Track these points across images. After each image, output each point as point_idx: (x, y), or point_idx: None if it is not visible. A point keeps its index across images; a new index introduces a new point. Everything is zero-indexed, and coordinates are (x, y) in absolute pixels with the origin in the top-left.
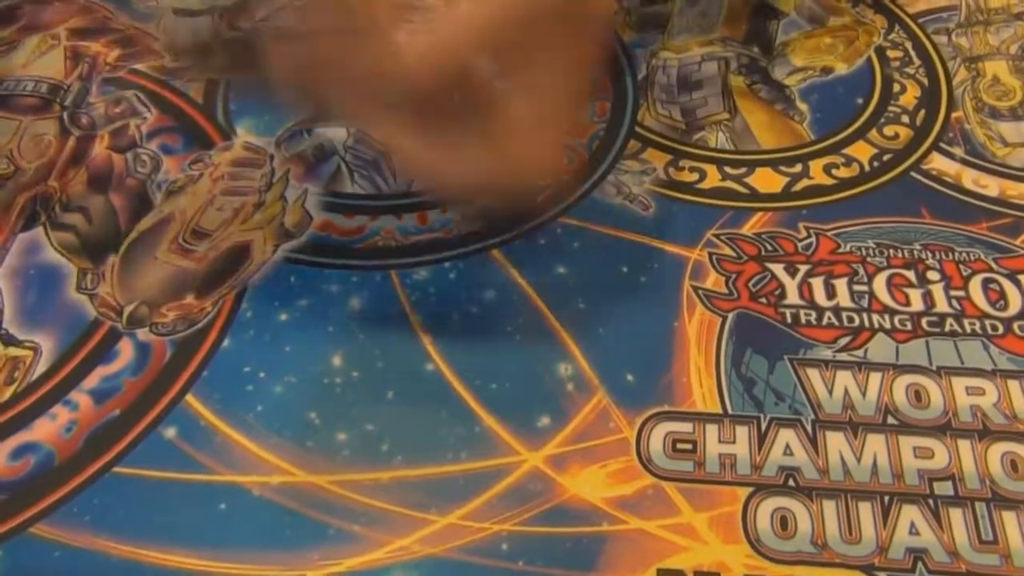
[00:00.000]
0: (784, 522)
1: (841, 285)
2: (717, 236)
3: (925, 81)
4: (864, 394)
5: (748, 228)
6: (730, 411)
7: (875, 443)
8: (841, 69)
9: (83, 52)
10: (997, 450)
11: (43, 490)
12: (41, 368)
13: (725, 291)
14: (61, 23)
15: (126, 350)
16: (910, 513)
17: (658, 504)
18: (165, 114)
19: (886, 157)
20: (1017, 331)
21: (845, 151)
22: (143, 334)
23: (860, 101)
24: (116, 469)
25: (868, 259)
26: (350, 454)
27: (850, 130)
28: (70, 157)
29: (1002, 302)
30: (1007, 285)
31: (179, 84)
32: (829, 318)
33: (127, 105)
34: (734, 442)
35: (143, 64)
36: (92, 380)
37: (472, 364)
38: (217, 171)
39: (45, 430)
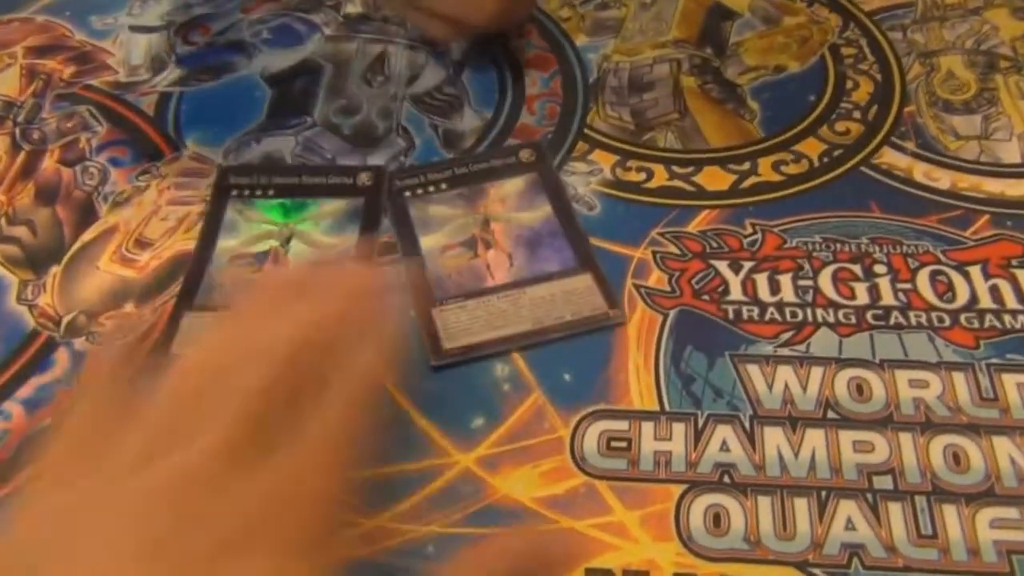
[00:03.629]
0: (717, 519)
1: (786, 280)
2: (662, 234)
3: (879, 77)
4: (804, 389)
5: (693, 226)
6: (667, 408)
7: (814, 438)
8: (794, 67)
9: (39, 69)
10: (939, 443)
11: None
12: None
13: (668, 289)
14: (19, 42)
15: (62, 359)
16: (847, 508)
17: (589, 503)
18: (116, 128)
19: (836, 153)
20: (964, 323)
21: (795, 148)
22: (80, 343)
23: (812, 98)
24: None
25: (814, 254)
26: None
27: (801, 127)
28: (19, 171)
29: (949, 294)
30: (955, 277)
31: (132, 97)
32: (772, 314)
33: (79, 120)
34: (670, 439)
35: (97, 80)
36: (26, 390)
37: (408, 366)
38: (164, 182)
39: None
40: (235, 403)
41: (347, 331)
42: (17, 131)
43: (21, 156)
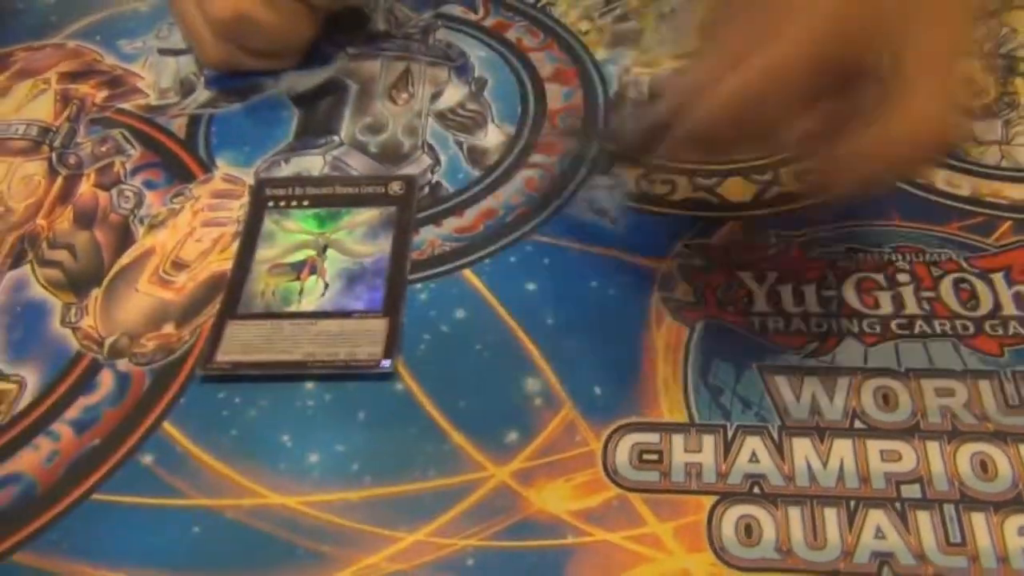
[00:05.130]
0: (748, 530)
1: (810, 291)
2: (687, 246)
3: None
4: (831, 399)
5: (718, 238)
6: (697, 420)
7: (842, 448)
8: None
9: (72, 95)
10: (967, 451)
11: (25, 519)
12: (26, 400)
13: (693, 300)
14: (52, 68)
15: (107, 380)
16: (876, 517)
17: (623, 515)
18: (149, 150)
19: None
20: (988, 330)
21: None
22: (123, 364)
23: None
24: (95, 496)
25: (838, 263)
26: (320, 475)
27: None
28: (57, 196)
29: (973, 301)
30: (979, 284)
31: (163, 120)
32: (797, 324)
33: (113, 143)
34: (700, 451)
35: (129, 103)
36: (74, 411)
37: (442, 382)
38: (198, 203)
39: (28, 461)
40: None
41: None
42: (54, 156)
43: (59, 181)
